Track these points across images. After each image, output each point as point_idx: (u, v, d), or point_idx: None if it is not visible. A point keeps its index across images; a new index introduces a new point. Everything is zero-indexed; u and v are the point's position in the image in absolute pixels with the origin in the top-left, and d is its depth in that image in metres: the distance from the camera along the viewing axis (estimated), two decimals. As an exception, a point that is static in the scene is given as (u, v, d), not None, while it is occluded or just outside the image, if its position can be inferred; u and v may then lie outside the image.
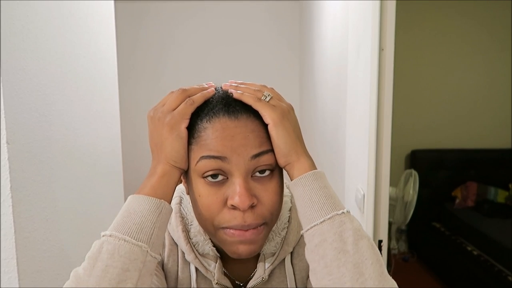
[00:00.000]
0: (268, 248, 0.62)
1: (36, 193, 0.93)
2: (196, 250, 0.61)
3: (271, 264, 0.62)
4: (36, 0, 0.94)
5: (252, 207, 0.51)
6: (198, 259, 0.61)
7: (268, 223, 0.54)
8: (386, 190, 1.34)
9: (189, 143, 0.53)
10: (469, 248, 2.64)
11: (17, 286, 0.86)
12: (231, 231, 0.52)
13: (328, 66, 2.18)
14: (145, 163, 3.53)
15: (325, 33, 2.29)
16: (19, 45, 0.88)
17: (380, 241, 1.36)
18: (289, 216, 0.64)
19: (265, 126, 0.53)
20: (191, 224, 0.62)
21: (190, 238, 0.61)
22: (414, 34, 3.21)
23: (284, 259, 0.64)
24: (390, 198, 2.69)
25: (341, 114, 1.83)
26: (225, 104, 0.53)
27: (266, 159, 0.52)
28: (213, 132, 0.51)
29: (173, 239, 0.63)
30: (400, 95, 3.00)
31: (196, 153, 0.52)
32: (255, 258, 0.63)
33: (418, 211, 2.92)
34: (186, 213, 0.63)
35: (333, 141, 2.04)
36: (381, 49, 1.27)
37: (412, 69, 3.25)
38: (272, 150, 0.53)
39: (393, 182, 2.15)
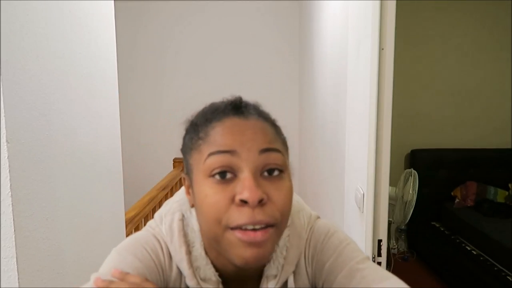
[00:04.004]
0: (271, 269, 0.59)
1: (36, 192, 0.93)
2: (198, 275, 0.58)
3: (274, 287, 0.59)
4: (36, -1, 0.94)
5: (262, 204, 0.49)
6: (200, 285, 0.58)
7: (278, 226, 0.51)
8: (385, 189, 1.34)
9: (197, 144, 0.53)
10: (468, 248, 2.64)
11: (17, 285, 0.86)
12: (239, 234, 0.49)
13: (328, 65, 2.18)
14: (144, 163, 3.55)
15: (325, 33, 2.28)
16: (19, 44, 0.88)
17: (379, 241, 1.36)
18: (288, 234, 0.61)
19: (273, 129, 0.55)
20: (193, 246, 0.59)
21: (191, 262, 0.58)
22: (414, 33, 3.21)
23: (287, 281, 0.61)
24: (390, 198, 2.69)
25: (341, 114, 1.83)
26: (234, 106, 0.55)
27: (275, 157, 0.52)
28: (223, 129, 0.52)
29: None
30: (400, 95, 3.00)
31: (204, 152, 0.52)
32: (257, 281, 0.61)
33: (418, 210, 2.92)
34: (188, 233, 0.60)
35: (333, 140, 2.04)
36: (381, 49, 1.27)
37: (412, 68, 3.25)
38: (280, 151, 0.53)
39: (392, 182, 2.16)
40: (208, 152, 0.51)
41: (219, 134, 0.51)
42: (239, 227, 0.49)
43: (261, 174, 0.51)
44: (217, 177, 0.50)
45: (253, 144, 0.51)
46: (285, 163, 0.54)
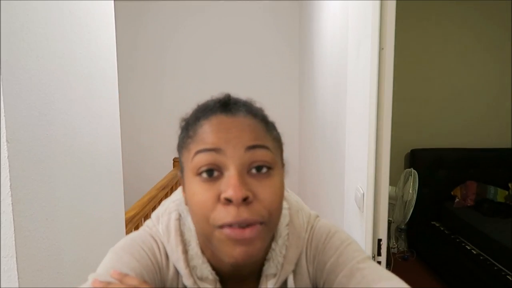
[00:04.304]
0: (271, 268, 0.59)
1: (35, 192, 0.93)
2: (195, 274, 0.58)
3: (273, 286, 0.59)
4: (36, -1, 0.94)
5: (247, 202, 0.49)
6: (197, 284, 0.58)
7: (266, 224, 0.51)
8: (385, 189, 1.34)
9: (187, 143, 0.54)
10: (468, 247, 2.64)
11: (17, 284, 0.86)
12: (228, 230, 0.49)
13: (328, 65, 2.18)
14: (144, 162, 3.53)
15: (324, 33, 2.28)
16: (19, 44, 0.88)
17: (379, 240, 1.36)
18: (287, 233, 0.61)
19: (263, 125, 0.54)
20: (189, 245, 0.59)
21: (188, 261, 0.58)
22: (414, 33, 3.21)
23: (286, 280, 0.60)
24: (390, 197, 2.69)
25: (341, 114, 1.83)
26: (222, 104, 0.54)
27: (262, 154, 0.51)
28: (209, 126, 0.52)
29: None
30: (400, 94, 3.00)
31: (192, 150, 0.52)
32: (257, 280, 0.60)
33: (418, 210, 2.93)
34: (185, 232, 0.60)
35: (333, 140, 2.04)
36: (381, 49, 1.27)
37: (412, 68, 3.26)
38: (269, 148, 0.52)
39: (392, 181, 2.16)
40: (195, 150, 0.52)
41: (206, 132, 0.52)
42: (225, 225, 0.49)
43: (249, 171, 0.51)
44: (204, 175, 0.51)
45: (239, 141, 0.51)
46: (274, 160, 0.53)
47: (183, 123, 0.58)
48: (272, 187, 0.51)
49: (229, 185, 0.49)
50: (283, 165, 0.58)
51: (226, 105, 0.54)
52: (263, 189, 0.50)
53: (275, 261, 0.59)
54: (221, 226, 0.49)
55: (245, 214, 0.48)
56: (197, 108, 0.57)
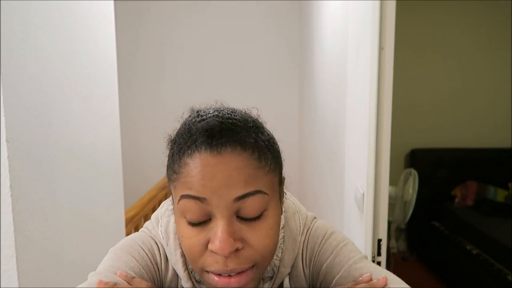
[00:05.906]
0: (267, 272, 0.59)
1: (35, 192, 0.93)
2: (194, 277, 0.58)
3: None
4: (36, -1, 0.94)
5: (237, 250, 0.47)
6: (196, 286, 0.58)
7: (259, 265, 0.50)
8: (385, 189, 1.34)
9: (172, 178, 0.50)
10: (468, 247, 2.64)
11: (17, 284, 0.86)
12: (216, 278, 0.48)
13: (328, 65, 2.18)
14: (144, 162, 3.53)
15: (325, 33, 2.29)
16: (19, 44, 0.88)
17: (379, 240, 1.36)
18: (283, 236, 0.59)
19: (255, 159, 0.48)
20: None
21: (186, 264, 0.58)
22: (414, 33, 3.21)
23: (282, 282, 0.61)
24: (390, 197, 2.69)
25: (341, 114, 1.83)
26: (208, 136, 0.47)
27: (253, 202, 0.47)
28: (193, 169, 0.47)
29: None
30: (400, 94, 2.99)
31: (178, 191, 0.49)
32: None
33: (418, 210, 2.93)
34: None
35: (333, 140, 2.04)
36: (380, 48, 1.27)
37: (412, 68, 3.26)
38: (261, 191, 0.48)
39: (392, 181, 2.16)
40: (181, 193, 0.48)
41: (190, 176, 0.47)
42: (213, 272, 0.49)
43: (239, 215, 0.48)
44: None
45: (225, 191, 0.46)
46: (267, 201, 0.49)
47: (169, 145, 0.55)
48: (265, 230, 0.49)
49: (216, 237, 0.46)
50: (281, 183, 0.55)
51: (211, 136, 0.47)
52: (255, 234, 0.48)
53: (271, 265, 0.59)
54: (209, 271, 0.49)
55: (232, 264, 0.47)
56: (182, 131, 0.52)
